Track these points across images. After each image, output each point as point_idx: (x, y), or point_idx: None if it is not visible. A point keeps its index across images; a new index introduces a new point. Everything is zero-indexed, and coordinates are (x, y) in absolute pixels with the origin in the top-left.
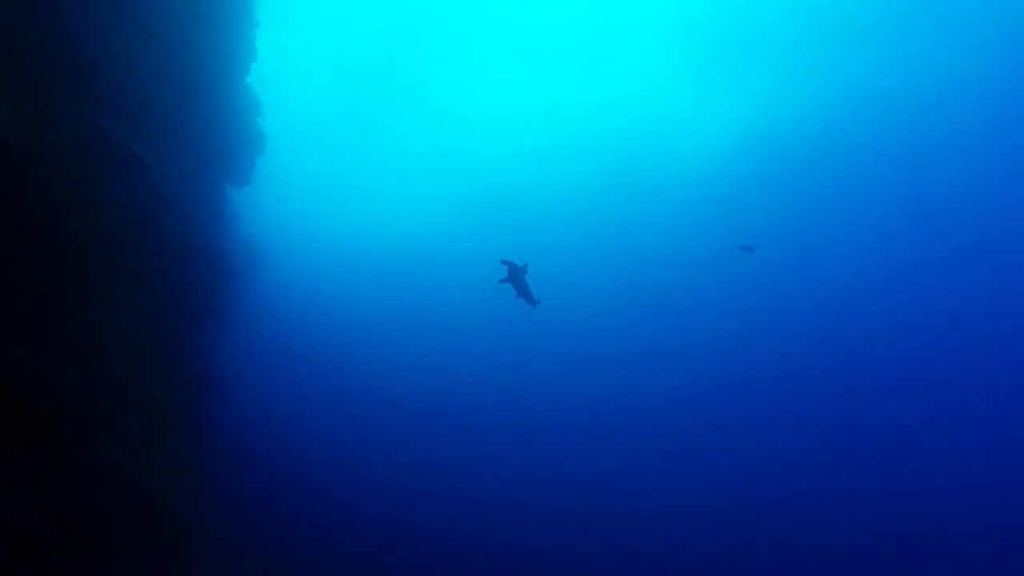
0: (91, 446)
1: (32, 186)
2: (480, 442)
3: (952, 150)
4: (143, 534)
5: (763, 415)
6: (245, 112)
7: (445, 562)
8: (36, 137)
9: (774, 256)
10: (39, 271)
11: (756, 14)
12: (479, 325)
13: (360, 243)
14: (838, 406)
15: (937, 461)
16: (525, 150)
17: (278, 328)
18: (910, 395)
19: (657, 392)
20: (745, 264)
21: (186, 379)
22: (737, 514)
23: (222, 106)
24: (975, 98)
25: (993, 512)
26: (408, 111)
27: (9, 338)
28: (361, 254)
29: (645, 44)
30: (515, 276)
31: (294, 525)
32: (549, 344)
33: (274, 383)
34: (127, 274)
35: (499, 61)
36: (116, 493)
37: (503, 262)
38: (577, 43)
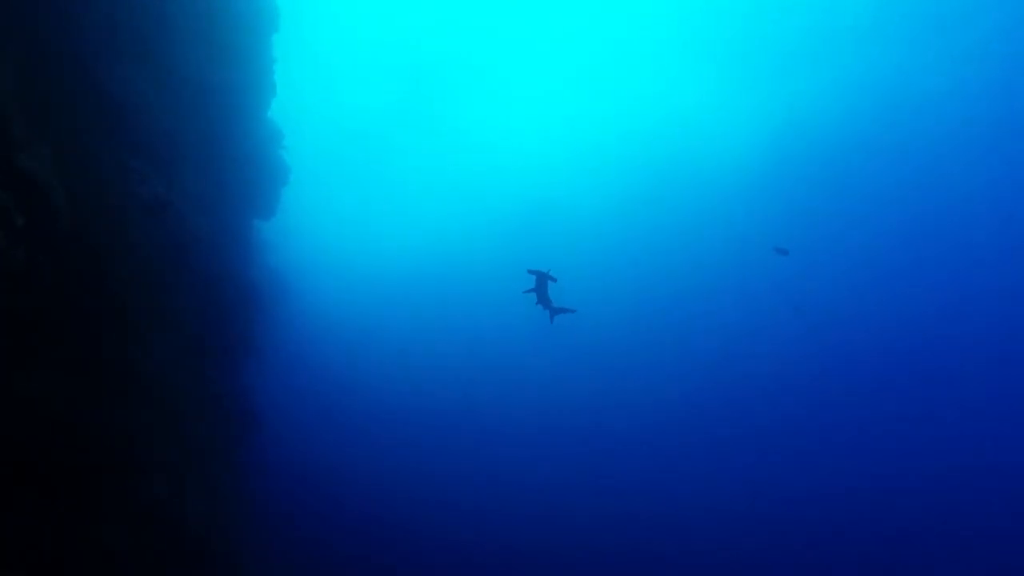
0: (133, 482)
1: (67, 227)
2: (518, 458)
3: (976, 152)
4: (185, 570)
5: (795, 416)
6: (267, 145)
7: None
8: (70, 178)
9: (797, 257)
10: (78, 311)
11: (777, 19)
12: (508, 342)
13: (385, 266)
14: (869, 404)
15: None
16: (553, 165)
17: (310, 355)
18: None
19: (686, 395)
20: (774, 265)
21: (224, 413)
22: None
23: (245, 141)
24: (996, 100)
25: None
26: (428, 133)
27: (51, 378)
28: (386, 276)
29: (667, 51)
30: (540, 284)
31: (333, 556)
32: (578, 355)
33: (309, 411)
34: (160, 311)
35: (519, 77)
36: (158, 529)
37: (531, 271)
38: (597, 54)
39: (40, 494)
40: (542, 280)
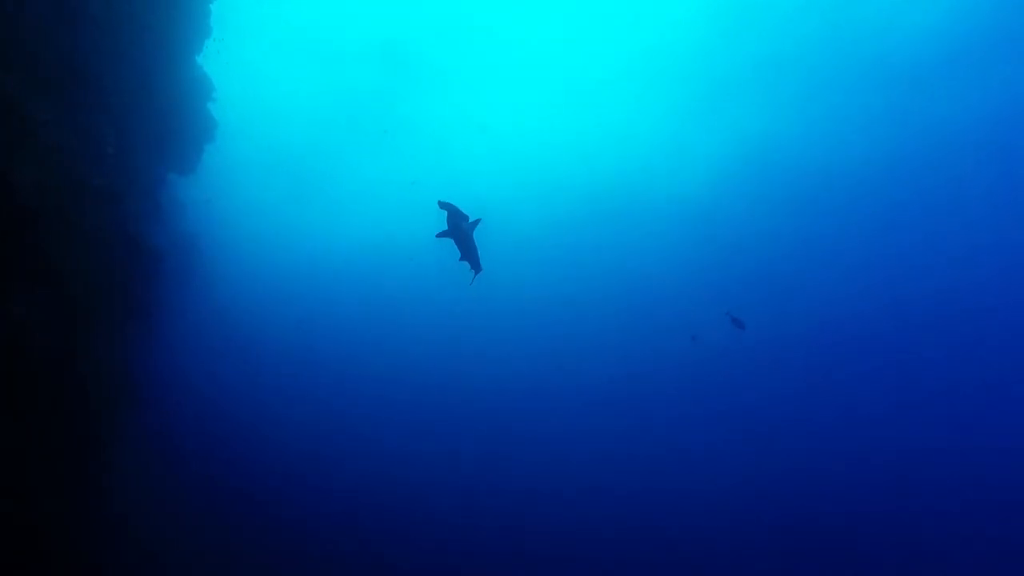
0: None
1: None
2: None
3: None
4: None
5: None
6: (194, 94)
7: None
8: None
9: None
10: None
11: (741, 60)
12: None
13: (314, 244)
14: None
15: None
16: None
17: (213, 332)
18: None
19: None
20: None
21: (96, 387)
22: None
23: (165, 84)
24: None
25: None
26: (387, 127)
27: None
28: (315, 255)
29: (635, 86)
30: (458, 228)
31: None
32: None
33: (205, 392)
34: (31, 263)
35: (483, 96)
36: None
37: (441, 205)
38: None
39: None
40: (457, 222)
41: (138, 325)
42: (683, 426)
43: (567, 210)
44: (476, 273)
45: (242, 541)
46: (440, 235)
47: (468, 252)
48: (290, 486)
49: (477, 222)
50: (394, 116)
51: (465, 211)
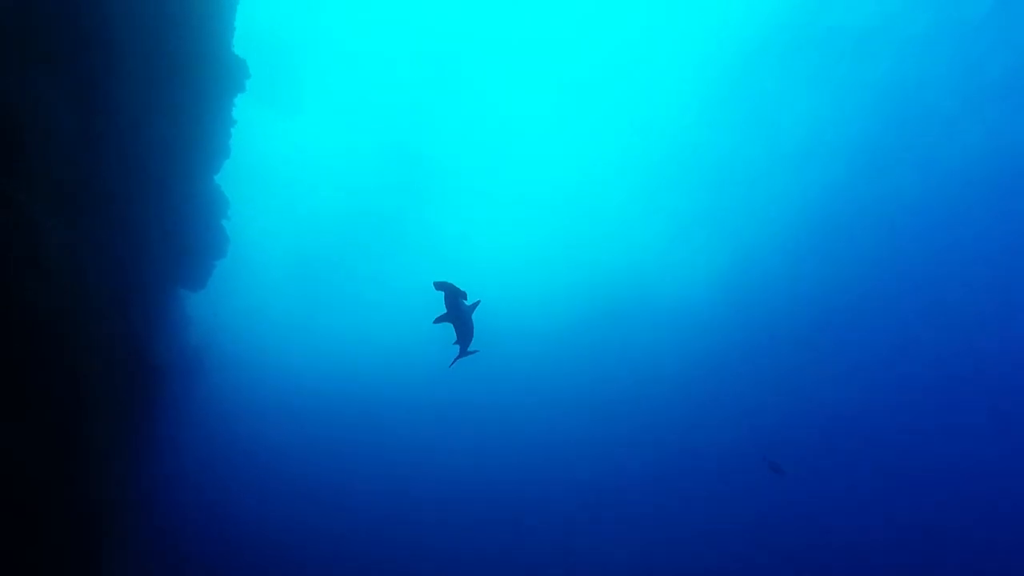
0: None
1: None
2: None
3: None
4: None
5: None
6: (209, 212)
7: None
8: None
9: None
10: None
11: (727, 175)
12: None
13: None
14: None
15: None
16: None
17: (217, 437)
18: None
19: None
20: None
21: (106, 502)
22: None
23: (182, 202)
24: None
25: None
26: (394, 245)
27: None
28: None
29: (630, 197)
30: (457, 308)
31: None
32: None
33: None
34: (29, 388)
35: (496, 200)
36: None
37: (438, 286)
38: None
39: None
40: (456, 303)
41: (140, 437)
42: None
43: (576, 311)
44: (461, 355)
45: None
46: (439, 320)
47: (463, 334)
48: None
49: (476, 304)
50: (403, 223)
51: (463, 290)
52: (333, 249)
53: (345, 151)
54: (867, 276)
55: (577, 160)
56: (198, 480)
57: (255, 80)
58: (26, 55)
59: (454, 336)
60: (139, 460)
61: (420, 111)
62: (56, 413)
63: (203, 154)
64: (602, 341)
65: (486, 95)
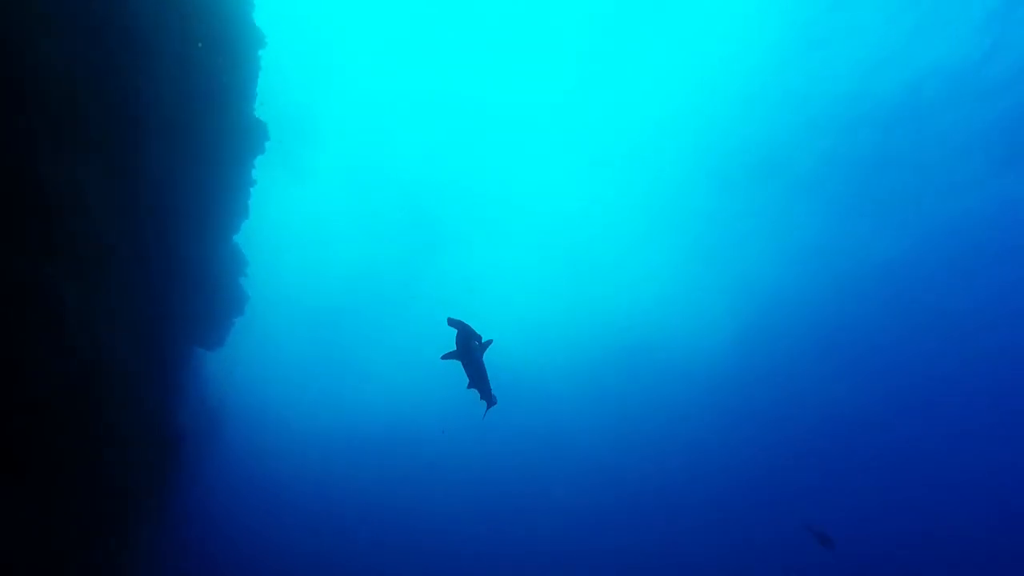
0: None
1: None
2: None
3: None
4: None
5: None
6: (228, 272)
7: None
8: None
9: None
10: None
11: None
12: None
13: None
14: None
15: None
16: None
17: (233, 498)
18: None
19: None
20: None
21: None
22: None
23: (201, 263)
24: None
25: None
26: (408, 300)
27: None
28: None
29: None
30: (468, 349)
31: None
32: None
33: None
34: (42, 459)
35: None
36: None
37: (451, 323)
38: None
39: None
40: (468, 343)
41: (154, 503)
42: None
43: (590, 362)
44: (489, 406)
45: None
46: (446, 356)
47: (477, 378)
48: None
49: (489, 343)
50: (419, 282)
51: (478, 331)
52: (348, 302)
53: (357, 210)
54: (902, 313)
55: (590, 206)
56: (211, 548)
57: (273, 142)
58: (62, 140)
59: (467, 379)
60: (155, 524)
61: (432, 170)
62: (75, 492)
63: (224, 215)
64: (616, 396)
65: (498, 148)
